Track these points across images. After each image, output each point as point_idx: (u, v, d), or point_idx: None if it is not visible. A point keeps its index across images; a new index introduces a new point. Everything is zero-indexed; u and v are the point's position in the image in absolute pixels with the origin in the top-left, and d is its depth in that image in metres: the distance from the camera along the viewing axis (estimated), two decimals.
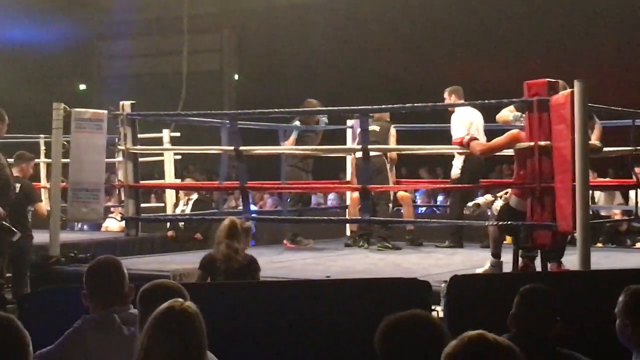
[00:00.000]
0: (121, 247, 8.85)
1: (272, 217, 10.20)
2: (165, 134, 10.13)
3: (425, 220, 9.72)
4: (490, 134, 7.82)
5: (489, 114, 7.70)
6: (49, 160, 8.39)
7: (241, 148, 7.40)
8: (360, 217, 7.69)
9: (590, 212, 6.32)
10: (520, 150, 6.16)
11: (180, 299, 2.74)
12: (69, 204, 7.67)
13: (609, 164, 11.34)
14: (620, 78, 14.41)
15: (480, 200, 6.52)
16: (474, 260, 7.05)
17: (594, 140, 6.41)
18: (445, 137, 7.96)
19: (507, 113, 6.67)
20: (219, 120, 8.76)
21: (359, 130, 7.61)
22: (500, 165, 13.68)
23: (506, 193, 6.36)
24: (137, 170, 8.10)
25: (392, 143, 8.50)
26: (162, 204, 10.69)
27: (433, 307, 4.76)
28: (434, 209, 11.87)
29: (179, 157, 10.58)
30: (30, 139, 10.11)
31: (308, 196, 9.70)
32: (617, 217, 9.99)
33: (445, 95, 8.29)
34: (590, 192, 7.55)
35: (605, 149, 6.67)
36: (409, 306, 2.54)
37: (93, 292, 3.38)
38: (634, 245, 10.08)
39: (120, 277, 3.42)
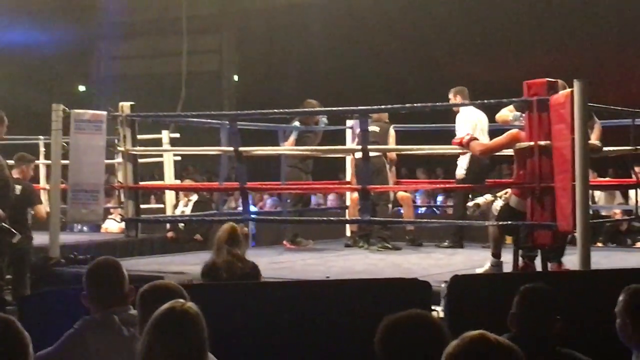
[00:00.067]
0: (121, 249, 8.86)
1: (272, 217, 10.20)
2: (165, 135, 10.13)
3: (425, 220, 9.73)
4: (489, 133, 7.83)
5: (489, 114, 7.71)
6: (49, 161, 8.38)
7: (241, 149, 7.39)
8: (360, 218, 7.69)
9: (591, 212, 6.32)
10: (520, 150, 6.15)
11: (182, 300, 2.74)
12: (68, 205, 7.67)
13: (609, 164, 11.33)
14: (620, 78, 14.41)
15: (480, 200, 6.51)
16: (474, 260, 7.05)
17: (594, 139, 6.40)
18: (445, 137, 7.95)
19: (507, 113, 6.67)
20: (219, 121, 8.76)
21: (358, 130, 7.61)
22: (500, 165, 13.68)
23: (506, 193, 6.36)
24: (136, 172, 8.09)
25: (392, 144, 8.50)
26: (162, 205, 10.68)
27: (433, 308, 4.75)
28: (434, 209, 11.87)
29: (178, 158, 10.57)
30: (29, 140, 10.10)
31: (308, 197, 9.70)
32: (617, 217, 9.99)
33: (450, 95, 8.28)
34: (590, 191, 7.56)
35: (605, 148, 6.66)
36: (409, 306, 2.54)
37: (93, 293, 3.38)
38: (634, 244, 10.09)
39: (120, 278, 3.42)
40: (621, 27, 14.81)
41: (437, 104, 7.36)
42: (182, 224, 10.26)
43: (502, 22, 15.36)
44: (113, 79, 19.07)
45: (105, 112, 7.92)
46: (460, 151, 7.30)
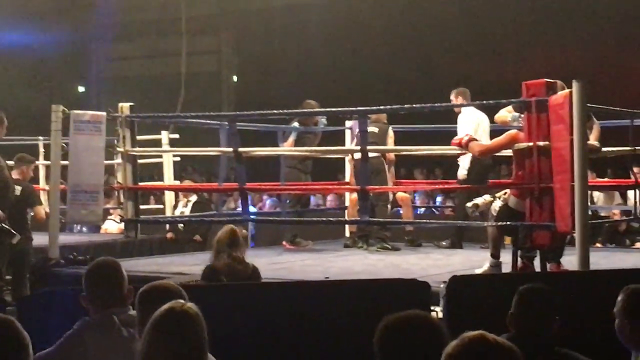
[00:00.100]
0: (120, 249, 8.86)
1: (271, 218, 10.21)
2: (164, 136, 10.13)
3: (424, 221, 9.73)
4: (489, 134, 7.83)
5: (488, 115, 7.71)
6: (48, 162, 8.38)
7: (240, 149, 7.40)
8: (359, 218, 7.69)
9: (589, 212, 6.33)
10: (519, 150, 6.16)
11: (181, 300, 2.74)
12: (68, 206, 7.67)
13: (607, 164, 11.34)
14: (619, 78, 14.41)
15: (479, 200, 6.51)
16: (473, 260, 7.06)
17: (593, 140, 6.41)
18: (444, 137, 7.94)
19: (506, 113, 6.68)
20: (218, 122, 8.76)
21: (357, 131, 7.61)
22: (498, 165, 13.68)
23: (505, 193, 6.36)
24: (136, 172, 8.10)
25: (390, 144, 8.51)
26: (161, 206, 10.68)
27: (432, 308, 4.76)
28: (433, 209, 11.88)
29: (177, 158, 10.58)
30: (29, 141, 10.10)
31: (307, 197, 9.70)
32: (616, 217, 9.99)
33: (452, 96, 8.27)
34: (589, 192, 7.56)
35: (604, 149, 6.67)
36: (408, 307, 2.54)
37: (92, 294, 3.38)
38: (633, 245, 10.09)
39: (119, 278, 3.42)
40: (620, 28, 14.81)
41: (436, 104, 7.36)
42: (182, 225, 10.26)
43: (501, 22, 15.36)
44: (112, 80, 19.07)
45: (104, 113, 7.93)
46: (459, 152, 7.30)
